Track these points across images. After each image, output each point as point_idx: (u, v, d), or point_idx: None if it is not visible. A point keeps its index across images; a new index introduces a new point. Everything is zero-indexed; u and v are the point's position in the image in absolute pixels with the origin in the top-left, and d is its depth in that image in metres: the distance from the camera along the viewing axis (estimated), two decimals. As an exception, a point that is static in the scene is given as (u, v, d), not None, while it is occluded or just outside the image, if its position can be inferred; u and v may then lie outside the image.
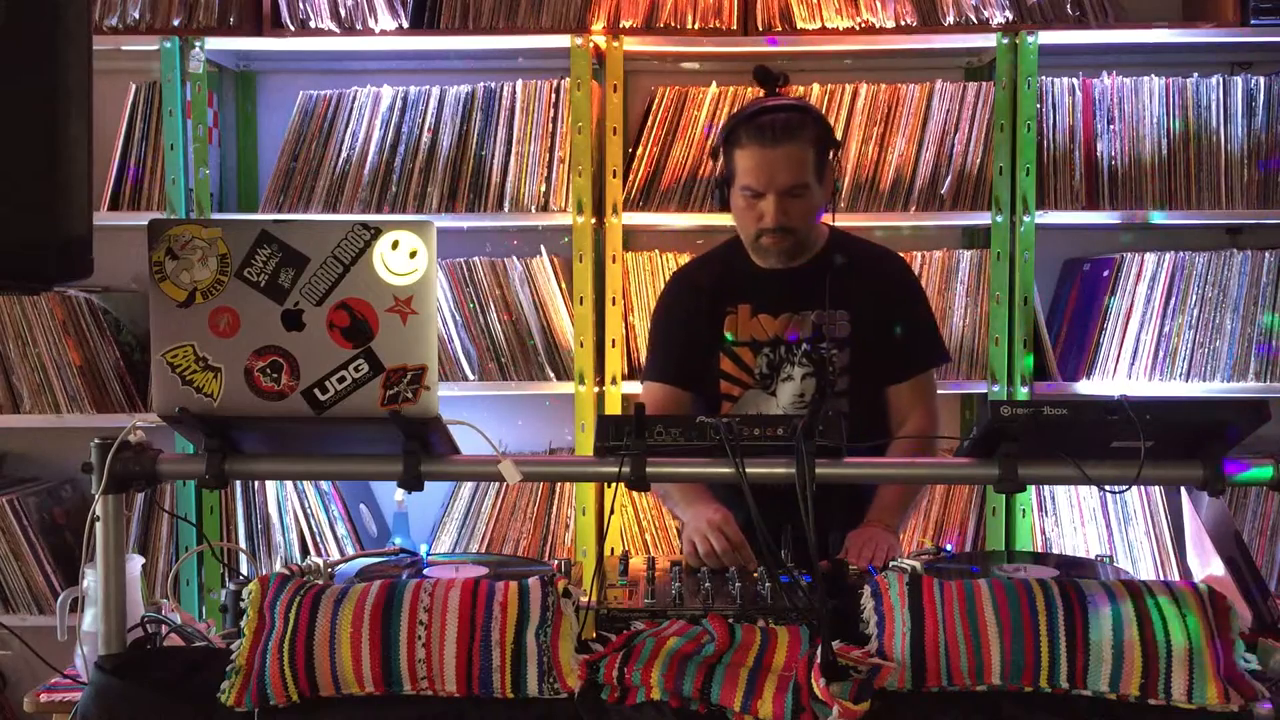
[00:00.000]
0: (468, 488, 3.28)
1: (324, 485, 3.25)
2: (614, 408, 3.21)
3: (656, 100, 3.28)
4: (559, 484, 3.26)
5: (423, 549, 2.09)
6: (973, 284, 3.23)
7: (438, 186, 3.25)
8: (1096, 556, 2.12)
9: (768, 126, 2.32)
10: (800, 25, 3.22)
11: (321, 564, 1.90)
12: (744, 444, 1.65)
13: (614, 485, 1.67)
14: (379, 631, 1.59)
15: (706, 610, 1.73)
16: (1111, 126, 3.22)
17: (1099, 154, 3.22)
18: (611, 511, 1.86)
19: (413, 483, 1.67)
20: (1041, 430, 1.58)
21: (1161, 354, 3.17)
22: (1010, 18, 3.22)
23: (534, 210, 3.23)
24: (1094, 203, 3.21)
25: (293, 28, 3.27)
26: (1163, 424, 1.57)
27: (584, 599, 1.76)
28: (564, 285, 3.24)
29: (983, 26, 3.22)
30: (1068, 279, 3.41)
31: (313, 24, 3.27)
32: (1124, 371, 3.18)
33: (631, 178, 3.25)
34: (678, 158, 3.25)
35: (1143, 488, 3.12)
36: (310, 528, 3.25)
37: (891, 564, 1.90)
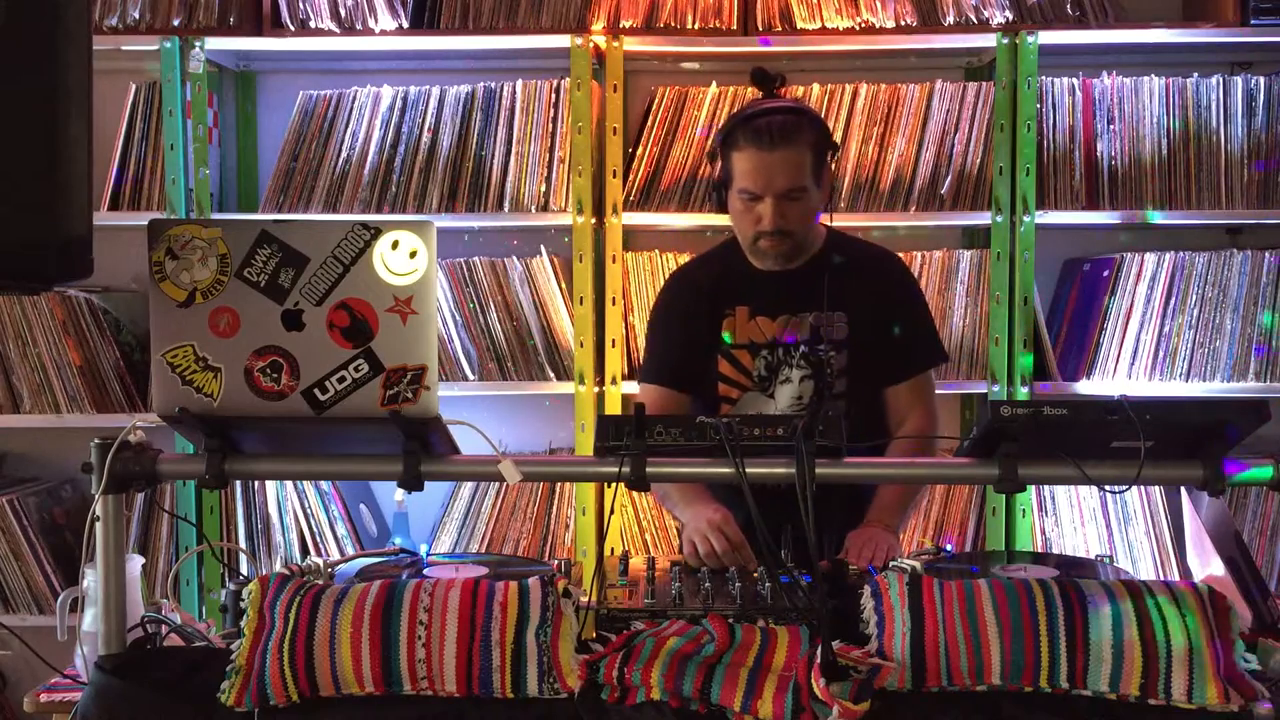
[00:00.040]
0: (468, 488, 3.28)
1: (324, 485, 3.25)
2: (614, 408, 3.21)
3: (656, 100, 3.28)
4: (559, 484, 3.26)
5: (423, 549, 2.09)
6: (973, 284, 3.23)
7: (438, 186, 3.25)
8: (1096, 556, 2.12)
9: (765, 129, 2.31)
10: (800, 25, 3.22)
11: (321, 564, 1.90)
12: (744, 444, 1.65)
13: (614, 485, 1.67)
14: (379, 631, 1.59)
15: (706, 610, 1.73)
16: (1111, 126, 3.22)
17: (1099, 154, 3.22)
18: (611, 511, 1.86)
19: (413, 483, 1.67)
20: (1041, 430, 1.58)
21: (1161, 354, 3.17)
22: (1010, 18, 3.22)
23: (534, 210, 3.23)
24: (1094, 203, 3.22)
25: (293, 28, 3.27)
26: (1163, 424, 1.57)
27: (584, 599, 1.76)
28: (564, 285, 3.24)
29: (983, 26, 3.22)
30: (1068, 279, 3.41)
31: (313, 24, 3.27)
32: (1124, 371, 3.18)
33: (631, 178, 3.25)
34: (678, 158, 3.26)
35: (1143, 488, 3.12)
36: (310, 528, 3.25)
37: (891, 564, 1.90)
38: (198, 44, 3.21)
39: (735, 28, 3.24)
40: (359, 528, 3.28)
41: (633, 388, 3.19)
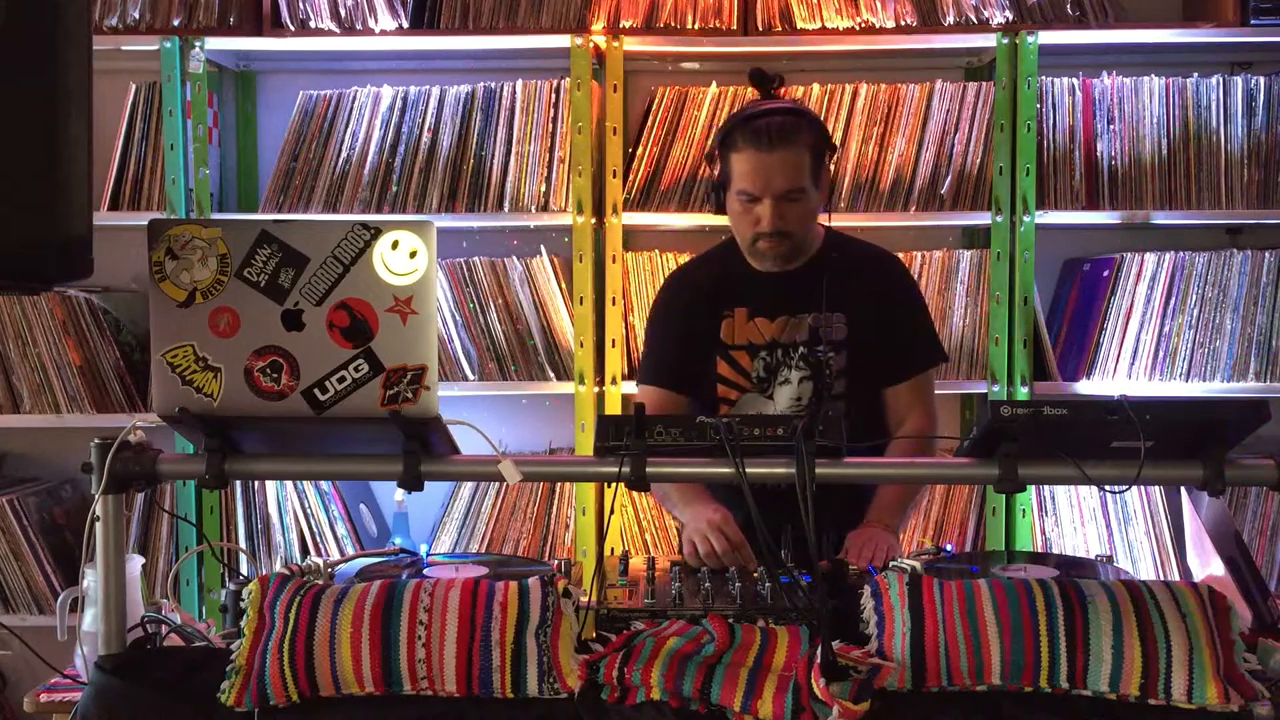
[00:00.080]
0: (468, 488, 3.28)
1: (324, 485, 3.25)
2: (614, 408, 3.21)
3: (656, 100, 3.28)
4: (559, 484, 3.26)
5: (423, 549, 2.09)
6: (973, 284, 3.23)
7: (438, 186, 3.25)
8: (1096, 556, 2.12)
9: (763, 131, 2.31)
10: (800, 25, 3.22)
11: (321, 564, 1.91)
12: (744, 444, 1.65)
13: (614, 485, 1.67)
14: (379, 631, 1.59)
15: (706, 610, 1.73)
16: (1111, 126, 3.22)
17: (1099, 154, 3.22)
18: (611, 511, 1.86)
19: (413, 483, 1.67)
20: (1041, 430, 1.58)
21: (1161, 354, 3.17)
22: (1010, 18, 3.22)
23: (534, 210, 3.23)
24: (1094, 203, 3.22)
25: (293, 28, 3.27)
26: (1163, 424, 1.57)
27: (584, 599, 1.76)
28: (564, 285, 3.24)
29: (983, 26, 3.22)
30: (1068, 279, 3.41)
31: (313, 24, 3.27)
32: (1124, 371, 3.18)
33: (631, 178, 3.25)
34: (678, 158, 3.26)
35: (1143, 488, 3.12)
36: (310, 528, 3.25)
37: (891, 564, 1.90)
38: (198, 44, 3.21)
39: (735, 28, 3.24)
40: (359, 528, 3.28)
41: (633, 388, 3.19)
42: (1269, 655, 1.68)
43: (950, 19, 3.22)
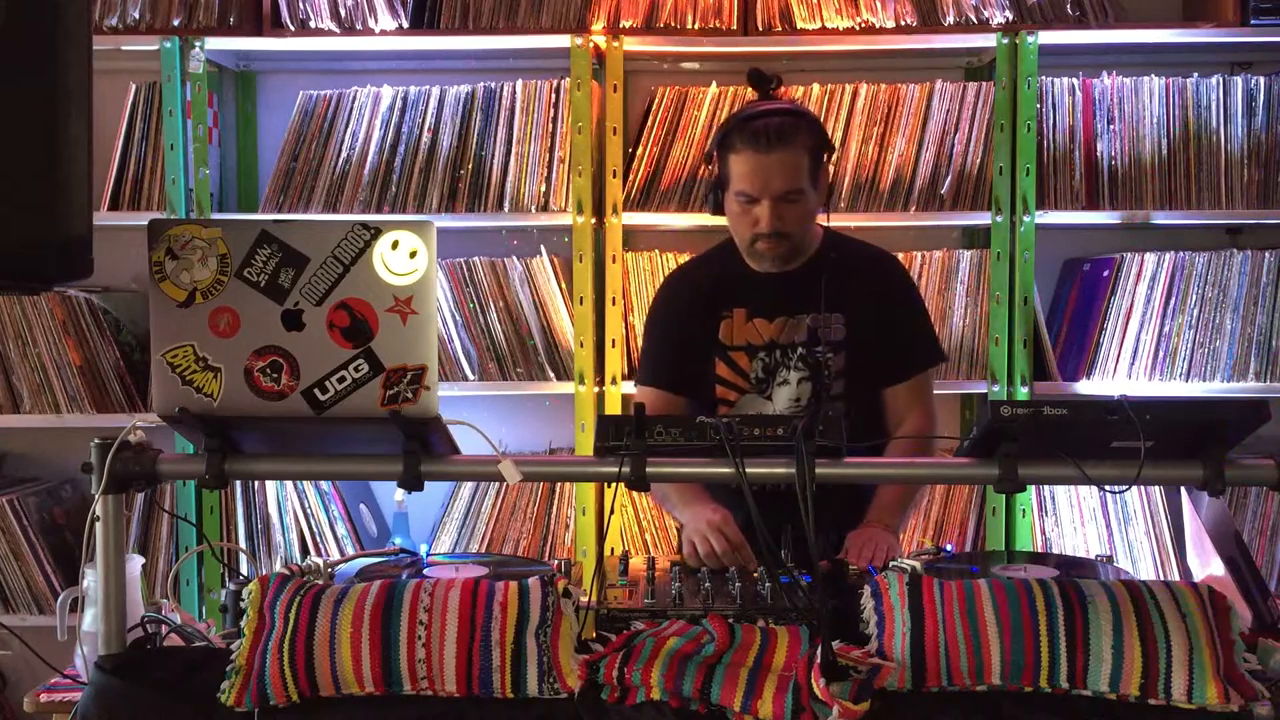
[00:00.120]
0: (468, 488, 3.28)
1: (324, 485, 3.25)
2: (614, 408, 3.21)
3: (656, 100, 3.28)
4: (559, 484, 3.26)
5: (423, 549, 2.09)
6: (973, 284, 3.23)
7: (438, 186, 3.25)
8: (1096, 556, 2.12)
9: (762, 132, 2.31)
10: (800, 25, 3.22)
11: (321, 564, 1.91)
12: (744, 444, 1.65)
13: (614, 485, 1.67)
14: (379, 631, 1.59)
15: (706, 610, 1.73)
16: (1111, 126, 3.22)
17: (1099, 154, 3.22)
18: (611, 511, 1.86)
19: (413, 483, 1.67)
20: (1041, 430, 1.58)
21: (1161, 354, 3.18)
22: (1010, 18, 3.22)
23: (534, 210, 3.23)
24: (1094, 203, 3.22)
25: (293, 28, 3.27)
26: (1163, 424, 1.57)
27: (584, 599, 1.76)
28: (564, 285, 3.24)
29: (983, 26, 3.22)
30: (1068, 279, 3.41)
31: (313, 24, 3.27)
32: (1124, 371, 3.18)
33: (631, 178, 3.25)
34: (678, 158, 3.26)
35: (1143, 488, 3.12)
36: (310, 528, 3.25)
37: (891, 564, 1.90)
38: (198, 44, 3.21)
39: (735, 28, 3.24)
40: (359, 528, 3.28)
41: (632, 388, 3.19)
42: (1269, 655, 1.68)
43: (950, 19, 3.22)
